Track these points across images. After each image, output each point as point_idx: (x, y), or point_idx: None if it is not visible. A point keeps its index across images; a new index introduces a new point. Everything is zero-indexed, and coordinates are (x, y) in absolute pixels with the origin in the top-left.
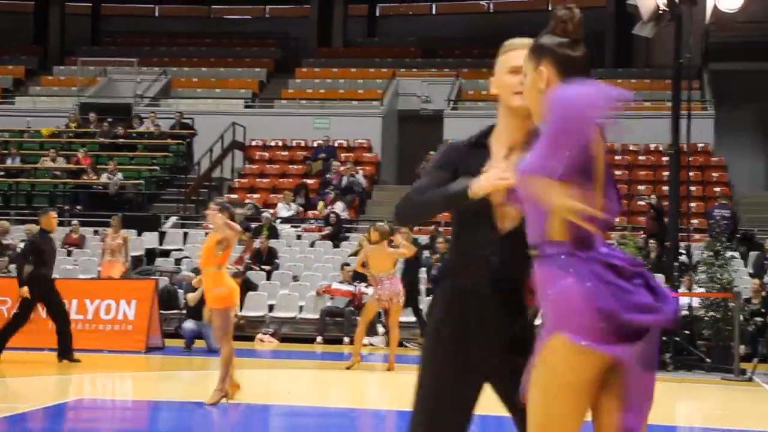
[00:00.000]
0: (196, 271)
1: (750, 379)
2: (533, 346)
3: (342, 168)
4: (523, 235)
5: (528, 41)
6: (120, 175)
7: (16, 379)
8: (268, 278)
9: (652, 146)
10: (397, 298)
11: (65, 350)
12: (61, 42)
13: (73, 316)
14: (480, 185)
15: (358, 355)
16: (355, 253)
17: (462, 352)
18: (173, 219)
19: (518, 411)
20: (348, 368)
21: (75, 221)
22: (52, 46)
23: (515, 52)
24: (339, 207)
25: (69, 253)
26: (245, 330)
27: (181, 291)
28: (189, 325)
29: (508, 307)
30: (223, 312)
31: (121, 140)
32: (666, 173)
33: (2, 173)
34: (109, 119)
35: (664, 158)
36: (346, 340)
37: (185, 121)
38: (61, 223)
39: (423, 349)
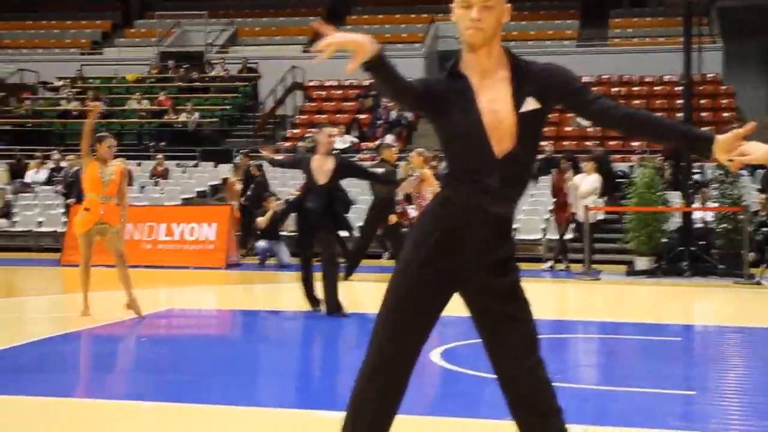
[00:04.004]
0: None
1: (758, 283)
2: (512, 269)
3: (390, 104)
4: (519, 158)
5: None
6: (197, 115)
7: (113, 293)
8: None
9: (666, 78)
10: None
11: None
12: None
13: (161, 237)
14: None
15: None
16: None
17: (443, 261)
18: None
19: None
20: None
21: (160, 155)
22: (133, 2)
23: None
24: (389, 138)
25: (156, 183)
26: None
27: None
28: (262, 244)
29: (498, 229)
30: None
31: (196, 84)
32: (680, 101)
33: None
34: (185, 65)
35: (678, 88)
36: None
37: (251, 65)
38: (147, 158)
39: (401, 256)
